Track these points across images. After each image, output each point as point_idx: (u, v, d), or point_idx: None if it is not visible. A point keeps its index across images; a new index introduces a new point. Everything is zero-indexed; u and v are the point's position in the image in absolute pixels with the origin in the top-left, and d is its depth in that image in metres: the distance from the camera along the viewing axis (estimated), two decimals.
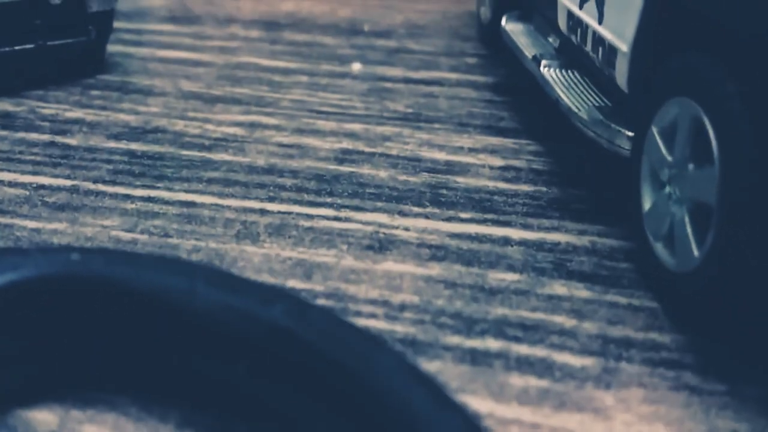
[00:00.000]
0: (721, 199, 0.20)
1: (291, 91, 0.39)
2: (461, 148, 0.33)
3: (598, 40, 0.28)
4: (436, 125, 0.35)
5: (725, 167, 0.19)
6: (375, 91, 0.39)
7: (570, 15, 0.31)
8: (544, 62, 0.33)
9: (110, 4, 0.40)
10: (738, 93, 0.19)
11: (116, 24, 0.42)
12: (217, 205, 0.28)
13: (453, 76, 0.42)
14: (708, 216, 0.21)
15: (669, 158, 0.22)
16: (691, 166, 0.21)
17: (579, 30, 0.30)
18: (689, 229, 0.21)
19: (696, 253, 0.21)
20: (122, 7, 0.52)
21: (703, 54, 0.21)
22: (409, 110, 0.37)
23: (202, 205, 0.28)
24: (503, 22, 0.40)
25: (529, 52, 0.35)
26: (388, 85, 0.40)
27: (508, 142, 0.34)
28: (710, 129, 0.20)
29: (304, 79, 0.41)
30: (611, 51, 0.27)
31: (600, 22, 0.28)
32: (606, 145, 0.27)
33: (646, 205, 0.24)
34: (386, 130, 0.35)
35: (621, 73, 0.26)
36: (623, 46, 0.26)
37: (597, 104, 0.29)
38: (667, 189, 0.23)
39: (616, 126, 0.26)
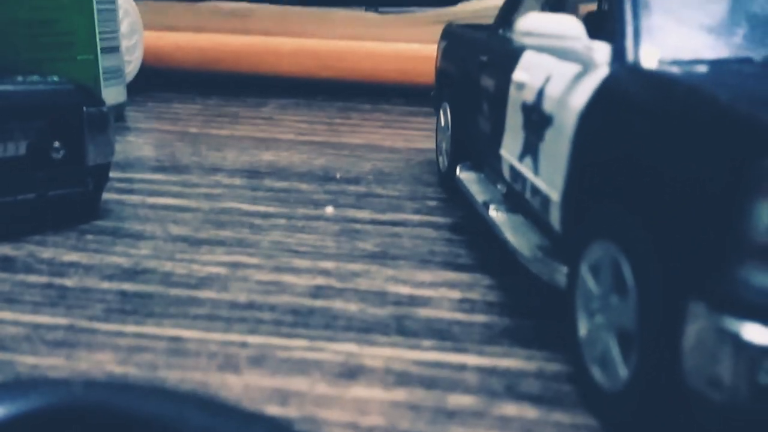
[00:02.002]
0: (638, 326, 0.23)
1: (270, 233, 0.43)
2: (423, 282, 0.37)
3: (535, 189, 0.32)
4: (401, 262, 0.39)
5: (639, 298, 0.23)
6: (346, 232, 0.43)
7: (512, 167, 0.36)
8: (492, 207, 0.38)
9: (108, 158, 0.44)
10: (647, 236, 0.23)
11: (110, 174, 0.47)
12: (202, 339, 0.31)
13: (416, 217, 0.46)
14: (631, 340, 0.24)
15: (596, 291, 0.26)
16: (614, 298, 0.25)
17: (519, 180, 0.35)
18: (616, 353, 0.25)
19: (623, 374, 0.24)
20: (115, 158, 0.56)
21: (619, 203, 0.25)
22: (377, 249, 0.41)
23: (188, 340, 0.31)
24: (457, 171, 0.45)
25: (479, 197, 0.40)
26: (358, 226, 0.44)
27: (465, 276, 0.37)
28: (626, 266, 0.24)
29: (282, 222, 0.45)
30: (546, 199, 0.31)
31: (536, 174, 0.32)
32: (547, 279, 0.31)
33: (582, 331, 0.27)
34: (356, 267, 0.38)
35: (555, 217, 0.30)
36: (555, 196, 0.30)
37: (538, 244, 0.33)
38: (597, 318, 0.26)
39: (553, 263, 0.30)
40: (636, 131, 0.24)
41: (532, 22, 0.29)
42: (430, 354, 0.30)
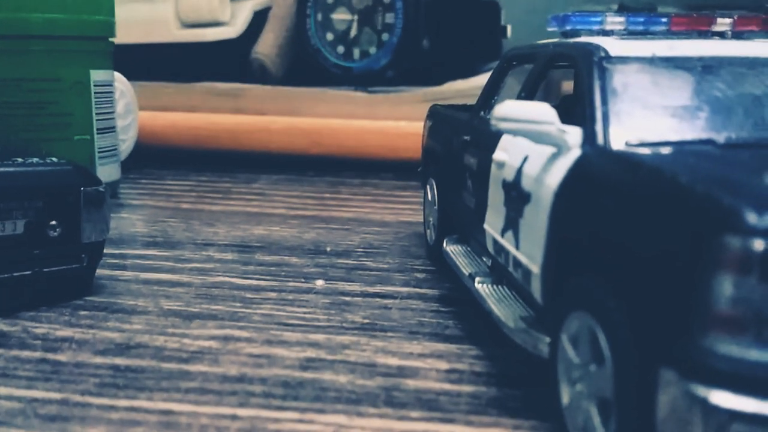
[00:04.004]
0: (615, 394, 0.24)
1: (261, 306, 0.44)
2: (411, 353, 0.37)
3: (517, 262, 0.34)
4: (390, 334, 0.40)
5: (615, 367, 0.24)
6: (336, 304, 0.44)
7: (495, 241, 0.37)
8: (477, 279, 0.39)
9: (103, 235, 0.45)
10: (620, 307, 0.25)
11: (104, 250, 0.48)
12: (193, 412, 0.31)
13: (404, 289, 0.47)
14: (610, 408, 0.25)
15: (576, 360, 0.27)
16: (592, 367, 0.26)
17: (502, 253, 0.36)
18: (597, 421, 0.25)
19: None
20: (110, 234, 0.58)
21: (593, 276, 0.27)
22: (366, 321, 0.42)
23: (180, 413, 0.31)
24: (444, 244, 0.47)
25: (465, 270, 0.41)
26: (348, 299, 0.45)
27: (453, 347, 0.38)
28: (601, 336, 0.25)
29: (273, 295, 0.46)
30: (527, 272, 0.33)
31: (517, 248, 0.34)
32: (531, 349, 0.32)
33: (564, 400, 0.28)
34: (345, 339, 0.39)
35: (536, 289, 0.32)
36: (535, 269, 0.31)
37: (522, 315, 0.34)
38: (578, 386, 0.27)
39: (536, 333, 0.31)
40: (605, 208, 0.26)
41: (507, 109, 0.31)
42: (418, 425, 0.31)
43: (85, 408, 0.31)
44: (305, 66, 1.00)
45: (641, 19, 0.39)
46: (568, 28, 0.38)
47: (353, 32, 0.96)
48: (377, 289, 0.47)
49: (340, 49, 0.97)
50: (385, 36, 0.95)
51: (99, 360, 0.36)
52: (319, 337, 0.39)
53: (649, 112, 0.30)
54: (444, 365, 0.36)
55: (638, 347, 0.23)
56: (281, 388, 0.33)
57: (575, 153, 0.30)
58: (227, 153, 0.90)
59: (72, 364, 0.35)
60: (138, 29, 0.97)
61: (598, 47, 0.33)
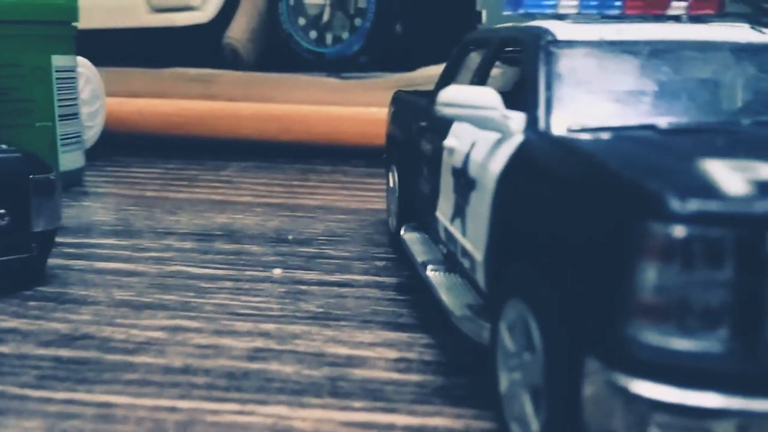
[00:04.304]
0: (546, 382, 0.24)
1: (215, 296, 0.43)
2: (362, 343, 0.37)
3: (464, 250, 0.33)
4: (342, 323, 0.40)
5: (546, 356, 0.24)
6: (291, 293, 0.44)
7: (445, 229, 0.37)
8: (429, 267, 0.39)
9: (54, 224, 0.44)
10: (551, 296, 0.24)
11: (59, 238, 0.47)
12: (131, 404, 0.31)
13: (363, 278, 0.47)
14: (541, 397, 0.25)
15: (513, 348, 0.27)
16: (526, 355, 0.26)
17: (452, 241, 0.36)
18: (529, 409, 0.25)
19: (534, 430, 0.25)
20: (67, 223, 0.57)
21: (528, 264, 0.26)
22: (320, 310, 0.41)
23: (118, 406, 0.30)
24: (402, 231, 0.46)
25: (420, 258, 0.41)
26: (304, 287, 0.45)
27: (405, 336, 0.38)
28: (533, 325, 0.25)
29: (229, 284, 0.45)
30: (472, 259, 0.32)
31: (464, 236, 0.34)
32: (475, 338, 0.31)
33: (503, 388, 0.28)
34: (297, 329, 0.39)
35: (480, 277, 0.31)
36: (479, 256, 0.31)
37: (469, 303, 0.34)
38: (514, 374, 0.27)
39: (481, 322, 0.31)
40: (539, 195, 0.25)
41: (452, 94, 0.30)
42: (360, 415, 0.30)
43: (23, 401, 0.31)
44: (278, 51, 0.99)
45: (595, 3, 0.38)
46: (521, 11, 0.38)
47: (326, 17, 0.95)
48: (335, 277, 0.47)
49: (313, 34, 0.96)
50: (357, 21, 0.94)
51: (42, 351, 0.35)
52: (270, 326, 0.39)
53: (594, 97, 0.29)
54: (393, 354, 0.36)
55: (567, 336, 0.22)
56: (225, 380, 0.33)
57: (518, 139, 0.29)
58: (196, 140, 0.89)
59: (14, 356, 0.35)
60: (108, 14, 0.96)
61: (546, 31, 0.33)
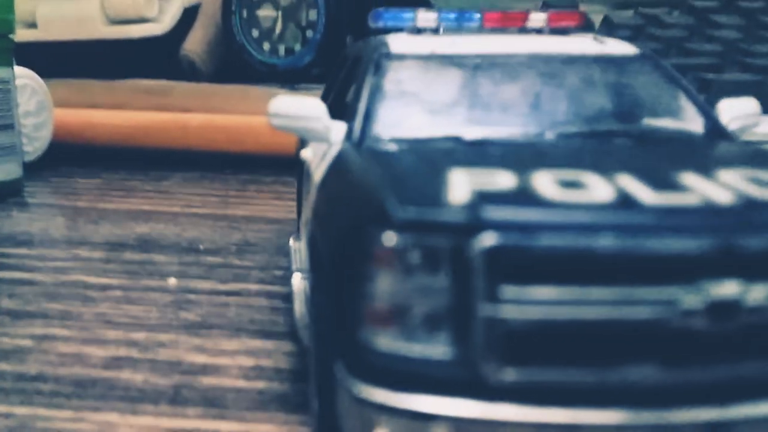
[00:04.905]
0: (314, 386, 0.24)
1: (100, 305, 0.44)
2: (224, 351, 0.38)
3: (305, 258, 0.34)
4: (215, 331, 0.40)
5: (314, 360, 0.24)
6: (177, 302, 0.44)
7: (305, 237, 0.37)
8: (295, 275, 0.39)
9: None
10: (318, 302, 0.25)
11: None
12: None
13: (255, 287, 0.47)
14: None
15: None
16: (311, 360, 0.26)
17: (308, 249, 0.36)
18: (315, 411, 0.26)
19: None
20: None
21: (310, 271, 0.27)
22: (198, 319, 0.42)
23: None
24: (290, 240, 0.47)
25: (294, 265, 0.41)
26: (192, 297, 0.45)
27: (270, 344, 0.39)
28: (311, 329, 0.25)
29: (119, 293, 0.46)
30: (305, 267, 0.33)
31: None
32: (306, 345, 0.32)
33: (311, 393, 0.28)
34: (166, 337, 0.39)
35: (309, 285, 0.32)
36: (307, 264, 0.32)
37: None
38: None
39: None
40: (324, 204, 0.26)
41: (279, 105, 0.31)
42: (188, 422, 0.31)
43: None
44: (234, 63, 1.00)
45: (454, 16, 0.39)
46: (380, 24, 0.39)
47: (278, 29, 0.96)
48: (228, 286, 0.47)
49: (266, 46, 0.97)
50: (309, 33, 0.95)
51: None
52: (141, 335, 0.40)
53: (410, 109, 0.30)
54: (250, 362, 0.36)
55: (323, 342, 0.23)
56: (71, 387, 0.34)
57: (336, 149, 0.30)
58: (146, 151, 0.90)
59: None
60: (65, 26, 0.97)
61: (382, 44, 0.33)
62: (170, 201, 0.73)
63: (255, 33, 0.98)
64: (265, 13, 0.98)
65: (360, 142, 0.29)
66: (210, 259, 0.54)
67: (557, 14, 0.39)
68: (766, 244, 0.19)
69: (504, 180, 0.21)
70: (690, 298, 0.19)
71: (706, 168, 0.23)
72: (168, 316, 0.42)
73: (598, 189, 0.21)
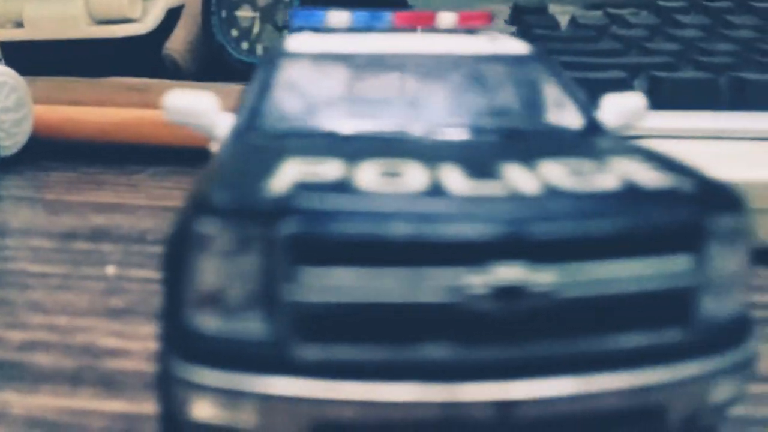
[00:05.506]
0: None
1: (35, 292, 0.45)
2: (138, 336, 0.39)
3: None
4: (136, 317, 0.42)
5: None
6: (110, 290, 0.46)
7: None
8: None
9: None
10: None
11: None
12: None
13: None
14: None
15: None
16: None
17: None
18: None
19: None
20: None
21: None
22: (124, 305, 0.43)
23: None
24: None
25: None
26: (126, 284, 0.47)
27: None
28: None
29: (56, 281, 0.47)
30: None
31: None
32: None
33: None
34: (87, 322, 0.41)
35: None
36: None
37: None
38: None
39: None
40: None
41: (172, 99, 0.32)
42: (81, 401, 0.33)
43: None
44: (215, 62, 1.02)
45: (366, 16, 0.40)
46: (296, 24, 0.40)
47: (256, 29, 0.98)
48: None
49: (245, 45, 0.99)
50: (286, 33, 0.97)
51: None
52: (63, 320, 0.41)
53: (294, 105, 0.31)
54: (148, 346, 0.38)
55: (163, 326, 0.24)
56: None
57: (221, 142, 0.31)
58: (125, 146, 0.92)
59: None
60: (50, 26, 1.00)
61: (281, 43, 0.35)
62: (136, 194, 0.75)
63: (234, 33, 1.00)
64: (244, 13, 0.99)
65: (241, 137, 0.30)
66: (155, 249, 0.55)
67: (467, 15, 0.40)
68: (552, 231, 0.20)
69: (330, 170, 0.23)
70: (477, 282, 0.20)
71: (535, 160, 0.24)
72: (96, 302, 0.44)
73: (413, 179, 0.22)
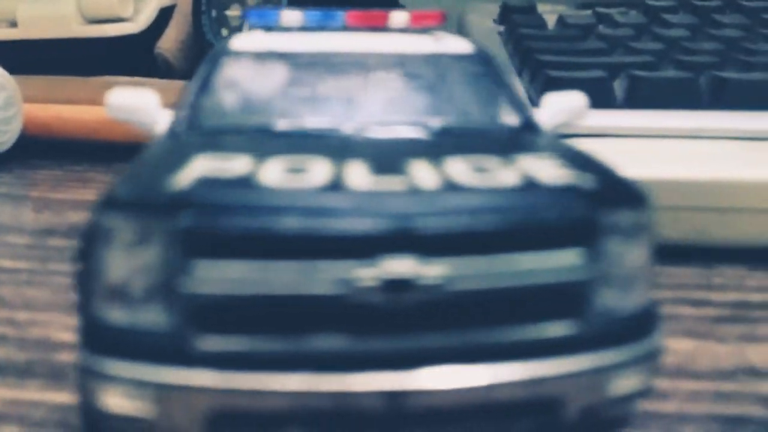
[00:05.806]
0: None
1: (2, 288, 0.46)
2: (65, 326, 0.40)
3: None
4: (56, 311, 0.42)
5: None
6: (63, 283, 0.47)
7: None
8: None
9: None
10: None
11: None
12: None
13: None
14: None
15: None
16: None
17: None
18: None
19: None
20: None
21: None
22: (51, 298, 0.44)
23: None
24: None
25: None
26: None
27: None
28: None
29: (24, 277, 0.48)
30: None
31: None
32: None
33: None
34: (46, 317, 0.42)
35: None
36: None
37: None
38: None
39: None
40: None
41: (114, 96, 0.33)
42: (27, 393, 0.33)
43: None
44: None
45: (318, 15, 0.40)
46: (250, 23, 0.40)
47: (245, 28, 0.99)
48: None
49: None
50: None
51: None
52: (24, 315, 0.42)
53: (232, 102, 0.32)
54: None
55: (80, 319, 0.25)
56: None
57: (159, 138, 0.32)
58: (114, 144, 0.93)
59: None
60: (43, 25, 1.01)
61: (227, 42, 0.35)
62: None
63: (224, 32, 1.01)
64: (234, 12, 1.00)
65: (173, 134, 0.31)
66: None
67: (420, 14, 0.40)
68: (443, 225, 0.20)
69: (237, 166, 0.23)
70: (367, 275, 0.20)
71: (444, 157, 0.24)
72: (59, 298, 0.45)
73: (316, 175, 0.22)
